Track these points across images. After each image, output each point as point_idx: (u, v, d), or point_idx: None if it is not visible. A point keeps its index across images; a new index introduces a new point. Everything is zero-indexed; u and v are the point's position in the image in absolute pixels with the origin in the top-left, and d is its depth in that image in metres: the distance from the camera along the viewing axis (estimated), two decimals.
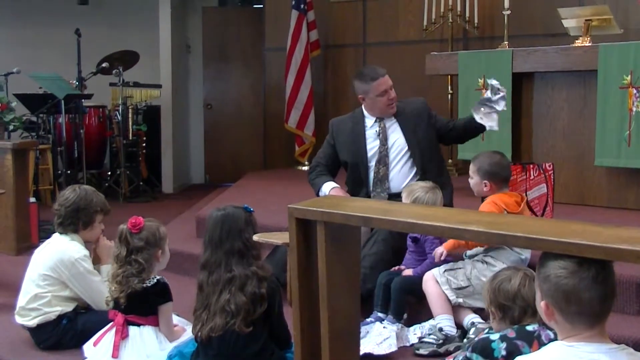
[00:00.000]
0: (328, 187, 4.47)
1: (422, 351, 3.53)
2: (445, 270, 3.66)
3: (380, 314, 3.82)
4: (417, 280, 3.80)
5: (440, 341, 3.51)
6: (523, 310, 2.67)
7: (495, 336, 2.60)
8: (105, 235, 3.98)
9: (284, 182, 7.67)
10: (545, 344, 2.51)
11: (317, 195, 4.50)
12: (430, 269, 3.78)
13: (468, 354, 2.58)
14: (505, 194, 3.77)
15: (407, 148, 4.49)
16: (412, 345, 3.61)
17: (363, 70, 4.65)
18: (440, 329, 3.55)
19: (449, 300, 3.64)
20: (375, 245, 4.08)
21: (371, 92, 4.48)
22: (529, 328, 2.61)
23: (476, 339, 2.75)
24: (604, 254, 1.85)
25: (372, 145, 4.53)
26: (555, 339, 2.48)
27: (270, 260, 4.29)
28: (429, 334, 3.58)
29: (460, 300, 3.64)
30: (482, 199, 3.88)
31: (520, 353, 2.50)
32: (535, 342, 2.57)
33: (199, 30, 10.27)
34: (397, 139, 4.52)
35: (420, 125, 4.51)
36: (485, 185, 3.77)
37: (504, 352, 2.52)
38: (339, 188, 4.46)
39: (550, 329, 2.60)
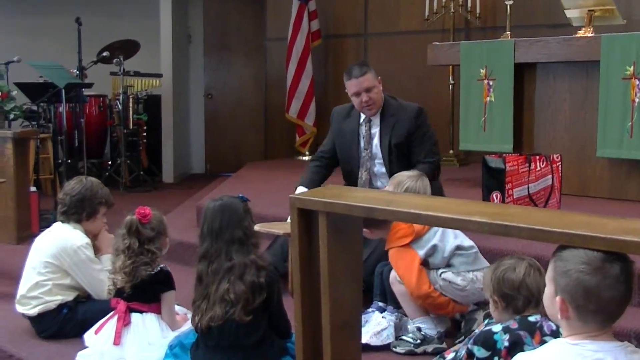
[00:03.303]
0: (299, 190, 4.36)
1: (398, 349, 3.51)
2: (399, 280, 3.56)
3: (380, 304, 3.82)
4: None
5: (418, 341, 3.48)
6: (527, 300, 2.64)
7: (497, 328, 2.58)
8: (107, 225, 3.99)
9: (284, 172, 7.66)
10: (547, 335, 2.52)
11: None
12: None
13: (470, 346, 2.57)
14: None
15: (380, 153, 4.47)
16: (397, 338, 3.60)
17: (350, 66, 4.55)
18: (419, 329, 3.52)
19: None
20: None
21: (348, 89, 4.46)
22: (531, 319, 2.59)
23: (477, 331, 2.73)
24: (609, 245, 1.83)
25: (362, 145, 4.52)
26: (558, 329, 2.48)
27: (271, 250, 4.29)
28: (408, 333, 3.56)
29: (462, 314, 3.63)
30: None
31: (523, 343, 2.49)
32: (537, 332, 2.55)
33: (199, 20, 10.25)
34: (377, 142, 4.49)
35: (398, 132, 4.41)
36: None
37: (506, 343, 2.50)
38: None
39: (552, 320, 2.58)
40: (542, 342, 2.47)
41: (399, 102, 4.54)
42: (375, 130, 4.50)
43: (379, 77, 4.46)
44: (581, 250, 1.88)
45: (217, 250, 3.10)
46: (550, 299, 1.97)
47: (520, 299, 2.65)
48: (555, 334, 2.52)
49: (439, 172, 4.48)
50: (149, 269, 3.42)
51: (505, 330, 2.55)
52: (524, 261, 2.72)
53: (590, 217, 2.06)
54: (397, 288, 3.58)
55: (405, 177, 3.79)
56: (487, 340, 2.54)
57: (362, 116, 4.53)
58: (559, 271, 1.91)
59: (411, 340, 3.50)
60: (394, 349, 3.53)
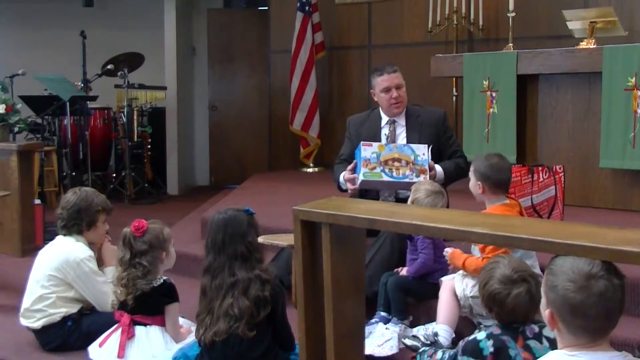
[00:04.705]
0: (342, 175, 4.50)
1: (407, 341, 3.54)
2: (472, 296, 3.52)
3: (383, 314, 3.82)
4: (411, 280, 3.82)
5: (428, 342, 3.48)
6: (512, 321, 2.68)
7: (481, 335, 2.65)
8: (110, 237, 4.00)
9: (289, 184, 7.68)
10: (530, 338, 2.61)
11: (339, 188, 4.57)
12: (420, 269, 3.79)
13: (459, 357, 2.63)
14: (506, 207, 3.60)
15: None
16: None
17: (379, 64, 4.72)
18: (436, 334, 3.52)
19: (457, 313, 3.58)
20: (381, 247, 4.09)
21: (376, 86, 4.59)
22: (514, 324, 2.66)
23: (465, 340, 2.76)
24: (609, 255, 1.84)
25: None
26: (540, 332, 2.61)
27: (275, 262, 4.30)
28: (425, 334, 3.57)
29: (479, 321, 3.63)
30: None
31: (507, 347, 2.57)
32: (520, 337, 2.62)
33: (204, 32, 10.29)
34: (404, 143, 4.53)
35: (426, 136, 4.51)
36: (479, 188, 3.63)
37: (491, 349, 2.58)
38: (348, 171, 4.43)
39: (535, 324, 2.66)
40: (526, 346, 2.57)
41: (421, 106, 4.72)
42: (401, 130, 4.60)
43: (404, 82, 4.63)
44: (569, 263, 1.89)
45: (220, 265, 3.11)
46: (544, 309, 2.00)
47: (505, 317, 2.69)
48: (538, 337, 2.61)
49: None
50: (146, 281, 3.42)
51: (489, 336, 2.62)
52: (522, 285, 2.67)
53: (591, 228, 2.07)
54: (447, 298, 3.58)
55: (422, 189, 3.81)
56: (474, 350, 2.62)
57: (384, 118, 4.62)
58: (549, 285, 1.93)
59: (422, 339, 3.50)
60: (402, 340, 3.55)
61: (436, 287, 3.70)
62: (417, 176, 4.14)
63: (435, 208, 3.60)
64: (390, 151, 4.21)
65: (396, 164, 4.19)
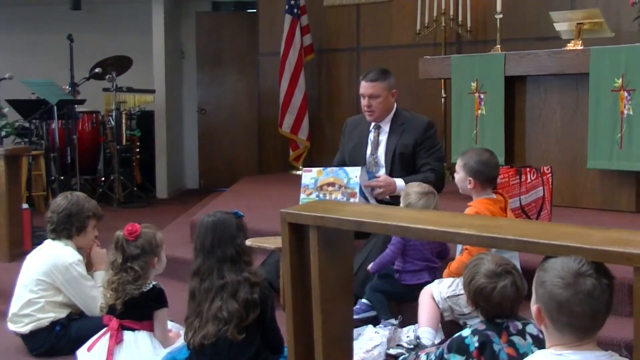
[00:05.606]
0: None
1: (391, 351, 3.54)
2: (448, 297, 3.55)
3: (363, 301, 3.86)
4: (384, 282, 3.86)
5: (412, 346, 3.49)
6: (497, 315, 2.70)
7: (467, 332, 2.67)
8: (100, 241, 3.99)
9: (278, 186, 7.66)
10: (513, 334, 2.63)
11: None
12: (382, 263, 3.81)
13: (445, 355, 2.64)
14: (490, 200, 3.63)
15: (384, 160, 4.54)
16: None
17: (370, 68, 4.70)
18: (417, 337, 3.52)
19: (438, 316, 3.58)
20: (373, 249, 4.08)
21: (359, 90, 4.56)
22: (498, 320, 2.68)
23: (451, 338, 2.78)
24: (594, 255, 1.85)
25: (369, 151, 4.58)
26: (524, 329, 2.64)
27: (265, 265, 4.29)
28: (407, 340, 3.57)
29: (465, 320, 3.64)
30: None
31: (492, 342, 2.59)
32: (504, 333, 2.64)
33: (192, 35, 10.29)
34: (383, 148, 4.55)
35: (404, 141, 4.49)
36: (470, 183, 3.64)
37: (476, 344, 2.59)
38: None
39: (519, 320, 2.69)
40: (509, 342, 2.60)
41: (411, 113, 4.66)
42: (383, 137, 4.58)
43: (394, 90, 4.54)
44: (560, 262, 1.91)
45: (209, 267, 3.10)
46: (533, 305, 2.02)
47: (491, 311, 2.71)
48: (522, 334, 2.64)
49: (443, 184, 4.54)
50: (133, 287, 3.40)
51: (474, 332, 2.65)
52: (507, 278, 2.70)
53: (576, 228, 2.08)
54: (426, 302, 3.59)
55: (412, 193, 3.81)
56: (460, 346, 2.63)
57: (372, 122, 4.59)
58: (539, 281, 1.96)
59: (406, 344, 3.51)
60: (387, 351, 3.54)
61: (412, 289, 3.74)
62: (347, 200, 4.15)
63: (426, 209, 3.61)
64: (327, 176, 4.25)
65: (330, 188, 4.22)
